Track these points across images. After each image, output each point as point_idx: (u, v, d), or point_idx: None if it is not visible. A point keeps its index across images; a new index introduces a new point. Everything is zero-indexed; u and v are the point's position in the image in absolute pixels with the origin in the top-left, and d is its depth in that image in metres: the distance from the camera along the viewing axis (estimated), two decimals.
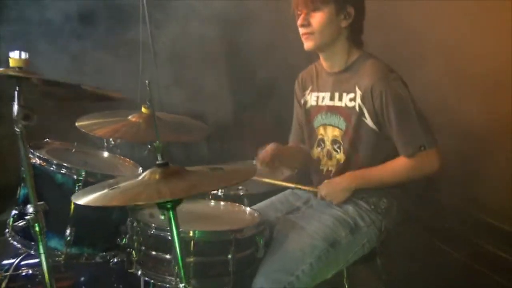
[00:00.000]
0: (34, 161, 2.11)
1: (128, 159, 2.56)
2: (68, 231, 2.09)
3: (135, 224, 2.19)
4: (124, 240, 2.21)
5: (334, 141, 2.44)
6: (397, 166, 2.30)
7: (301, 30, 2.31)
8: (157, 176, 1.62)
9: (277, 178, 2.64)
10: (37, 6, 3.20)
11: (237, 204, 2.53)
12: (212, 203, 2.56)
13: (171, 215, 1.66)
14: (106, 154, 2.56)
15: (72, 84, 1.66)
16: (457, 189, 3.21)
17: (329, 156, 2.47)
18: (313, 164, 2.56)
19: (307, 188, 2.52)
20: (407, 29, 3.01)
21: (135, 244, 2.16)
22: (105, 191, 1.61)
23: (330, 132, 2.45)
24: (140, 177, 1.66)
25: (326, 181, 2.41)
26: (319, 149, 2.52)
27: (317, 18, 2.26)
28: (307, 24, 2.28)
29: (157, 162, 1.66)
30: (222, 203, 2.56)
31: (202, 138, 2.86)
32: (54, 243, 2.12)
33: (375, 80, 2.26)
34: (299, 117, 2.65)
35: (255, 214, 2.36)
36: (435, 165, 2.26)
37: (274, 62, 3.43)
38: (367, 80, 2.28)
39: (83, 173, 2.09)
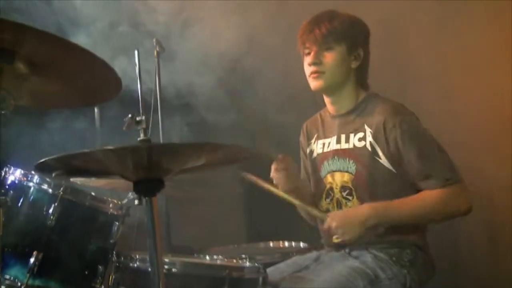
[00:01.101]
0: (12, 178, 1.84)
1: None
2: (33, 258, 1.72)
3: (115, 258, 1.84)
4: (100, 282, 1.85)
5: (343, 188, 2.10)
6: (426, 198, 1.93)
7: (311, 69, 2.10)
8: None
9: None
10: None
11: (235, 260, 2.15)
12: (208, 257, 2.19)
13: (150, 205, 1.35)
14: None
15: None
16: None
17: (339, 206, 2.11)
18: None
19: (314, 211, 2.08)
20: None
21: (112, 285, 1.80)
22: None
23: (338, 179, 2.12)
24: None
25: (339, 211, 2.03)
26: (327, 200, 2.17)
27: (330, 57, 2.07)
28: (319, 63, 2.08)
29: (139, 139, 1.39)
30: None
31: None
32: (15, 271, 1.73)
33: (387, 115, 2.01)
34: (306, 168, 2.35)
35: (256, 264, 1.98)
36: (465, 202, 1.91)
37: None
38: (378, 117, 2.03)
39: (61, 189, 1.78)
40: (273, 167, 2.13)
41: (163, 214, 3.29)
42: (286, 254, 2.48)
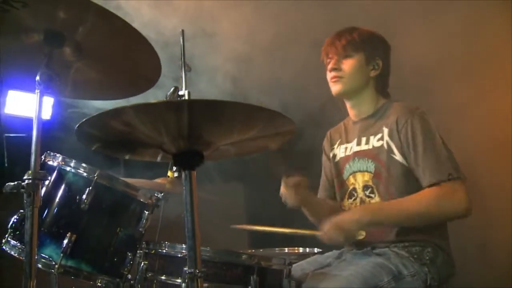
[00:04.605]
0: (51, 162, 1.69)
1: None
2: (66, 240, 1.56)
3: (144, 245, 1.67)
4: (128, 269, 1.68)
5: (365, 187, 1.97)
6: (422, 196, 1.77)
7: (331, 74, 2.03)
8: None
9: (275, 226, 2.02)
10: None
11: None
12: None
13: (189, 179, 1.19)
14: None
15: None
16: None
17: (363, 204, 1.97)
18: None
19: (308, 232, 1.89)
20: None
21: (141, 271, 1.62)
22: None
23: (360, 179, 2.00)
24: None
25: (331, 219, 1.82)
26: (350, 200, 2.03)
27: (348, 64, 2.01)
28: (338, 68, 2.01)
29: None
30: None
31: None
32: (49, 250, 1.57)
33: (400, 113, 1.92)
34: (327, 172, 2.22)
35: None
36: (463, 200, 1.74)
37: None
38: (393, 117, 1.94)
39: (96, 174, 1.62)
40: (282, 183, 1.99)
41: (182, 219, 3.11)
42: (302, 257, 2.31)
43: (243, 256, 1.57)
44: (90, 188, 1.60)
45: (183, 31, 1.26)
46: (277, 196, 2.07)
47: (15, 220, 1.59)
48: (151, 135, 1.14)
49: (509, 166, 2.45)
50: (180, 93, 1.23)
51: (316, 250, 2.63)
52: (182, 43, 1.25)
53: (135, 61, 1.48)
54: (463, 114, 2.54)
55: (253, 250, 2.81)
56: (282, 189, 2.01)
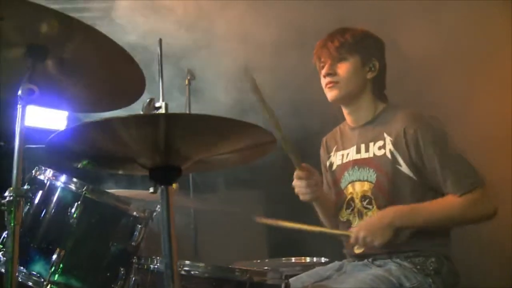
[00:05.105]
0: (41, 177, 1.67)
1: None
2: (55, 255, 1.53)
3: (135, 260, 1.63)
4: (121, 285, 1.64)
5: (363, 198, 1.87)
6: (451, 202, 1.71)
7: (326, 80, 1.92)
8: None
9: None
10: None
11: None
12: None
13: (166, 194, 1.15)
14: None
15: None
16: None
17: (360, 216, 1.88)
18: (343, 228, 1.94)
19: (338, 232, 1.89)
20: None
21: (132, 286, 1.59)
22: None
23: (358, 188, 1.89)
24: None
25: (362, 222, 1.80)
26: (348, 210, 1.93)
27: (343, 68, 1.90)
28: (333, 73, 1.90)
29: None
30: None
31: None
32: (39, 267, 1.55)
33: (408, 122, 1.80)
34: (328, 181, 2.11)
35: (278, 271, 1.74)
36: (489, 207, 1.69)
37: None
38: (397, 124, 1.82)
39: (84, 188, 1.59)
40: (295, 174, 1.90)
41: (191, 230, 3.11)
42: (307, 267, 2.24)
43: (235, 272, 1.51)
44: (79, 202, 1.58)
45: (161, 40, 1.21)
46: (297, 204, 2.01)
47: (5, 236, 1.58)
48: (126, 149, 1.10)
49: (509, 164, 2.35)
50: (157, 104, 1.19)
51: (323, 259, 2.57)
52: (159, 52, 1.21)
53: (119, 75, 1.45)
54: (463, 113, 2.46)
55: (259, 261, 2.75)
56: (295, 181, 1.91)
